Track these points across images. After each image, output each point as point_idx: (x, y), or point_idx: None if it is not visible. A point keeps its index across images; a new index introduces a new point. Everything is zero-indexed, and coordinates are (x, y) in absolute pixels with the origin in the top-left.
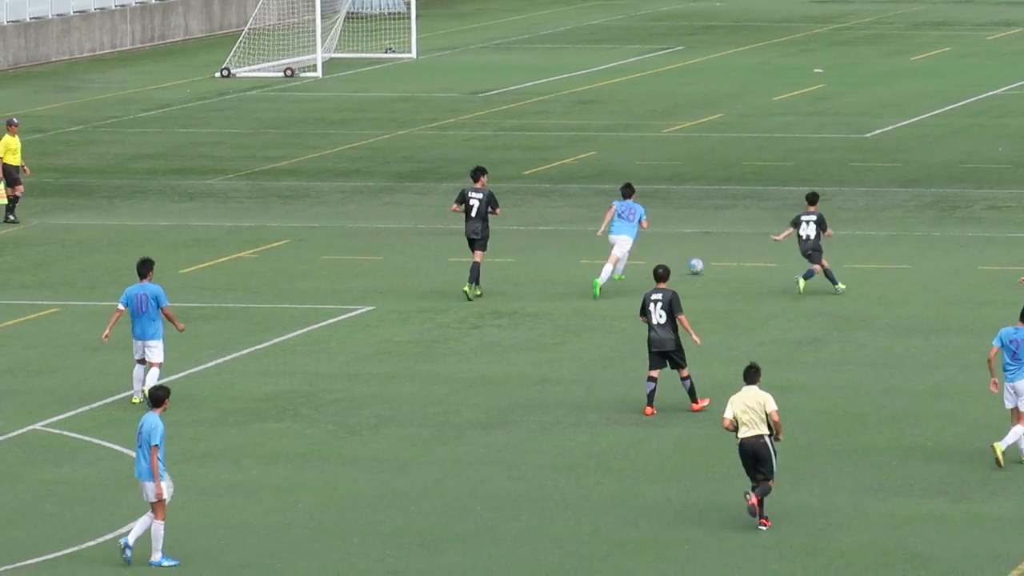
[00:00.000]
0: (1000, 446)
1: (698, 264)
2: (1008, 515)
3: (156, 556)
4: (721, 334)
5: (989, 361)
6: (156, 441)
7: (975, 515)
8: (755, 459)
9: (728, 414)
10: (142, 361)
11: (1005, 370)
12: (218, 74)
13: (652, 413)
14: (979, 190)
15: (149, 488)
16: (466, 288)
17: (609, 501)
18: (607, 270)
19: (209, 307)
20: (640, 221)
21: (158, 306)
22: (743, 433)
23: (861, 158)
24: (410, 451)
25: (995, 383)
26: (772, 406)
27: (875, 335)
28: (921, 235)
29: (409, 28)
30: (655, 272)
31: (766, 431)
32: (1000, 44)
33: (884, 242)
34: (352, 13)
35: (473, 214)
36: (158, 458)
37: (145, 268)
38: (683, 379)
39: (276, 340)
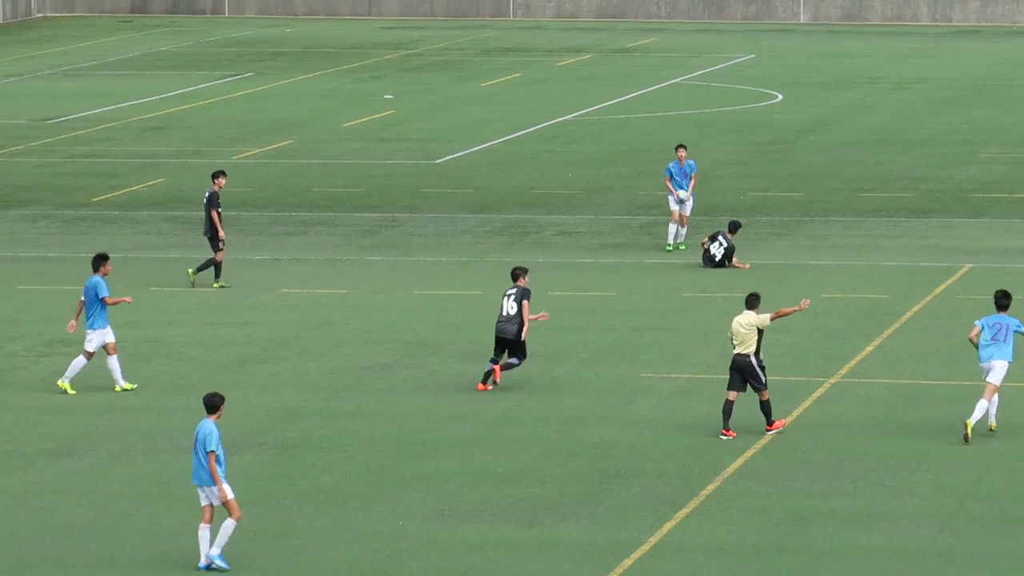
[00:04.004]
0: (970, 422)
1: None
2: (578, 540)
3: (215, 550)
4: (292, 361)
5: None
6: (212, 447)
7: (546, 540)
8: (742, 372)
9: (730, 333)
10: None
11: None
12: None
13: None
14: (549, 216)
15: (213, 493)
16: (193, 277)
17: (179, 528)
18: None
19: None
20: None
21: (97, 297)
22: (735, 350)
23: (431, 184)
24: None
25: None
26: (766, 322)
27: (446, 361)
28: (492, 261)
29: None
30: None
31: (753, 350)
32: (570, 71)
33: (455, 268)
34: None
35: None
36: (216, 462)
37: (97, 262)
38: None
39: None
